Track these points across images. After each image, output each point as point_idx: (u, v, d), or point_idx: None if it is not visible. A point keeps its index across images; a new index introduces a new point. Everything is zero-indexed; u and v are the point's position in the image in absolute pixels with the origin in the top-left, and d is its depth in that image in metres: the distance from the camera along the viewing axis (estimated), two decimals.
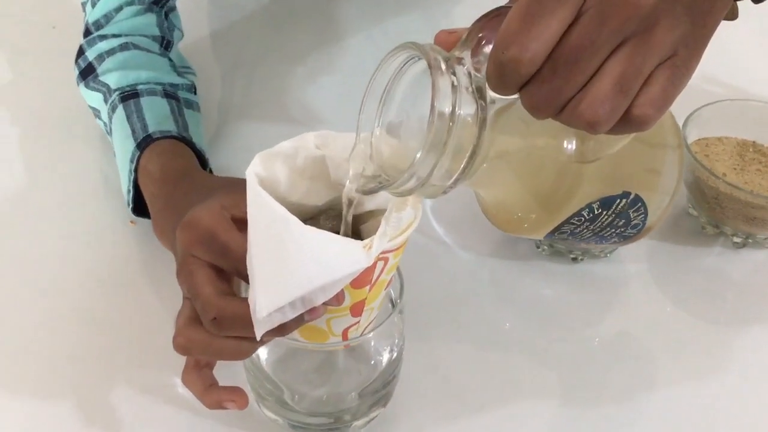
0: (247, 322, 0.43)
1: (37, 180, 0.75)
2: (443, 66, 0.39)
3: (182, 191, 0.58)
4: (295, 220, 0.41)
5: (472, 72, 0.40)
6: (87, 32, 0.75)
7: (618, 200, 0.52)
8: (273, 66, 0.90)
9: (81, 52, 0.74)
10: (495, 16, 0.40)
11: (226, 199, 0.49)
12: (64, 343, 0.61)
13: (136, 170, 0.63)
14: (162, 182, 0.60)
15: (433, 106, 0.38)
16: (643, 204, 0.53)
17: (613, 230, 0.54)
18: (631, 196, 0.52)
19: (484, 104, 0.40)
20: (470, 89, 0.39)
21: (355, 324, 0.48)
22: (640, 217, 0.54)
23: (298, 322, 0.43)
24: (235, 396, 0.49)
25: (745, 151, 0.72)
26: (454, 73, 0.39)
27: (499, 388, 0.59)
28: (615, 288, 0.67)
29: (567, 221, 0.51)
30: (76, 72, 0.74)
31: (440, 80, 0.38)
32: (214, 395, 0.49)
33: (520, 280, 0.67)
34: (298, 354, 0.54)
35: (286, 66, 0.90)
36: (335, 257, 0.41)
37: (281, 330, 0.43)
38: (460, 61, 0.40)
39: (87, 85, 0.72)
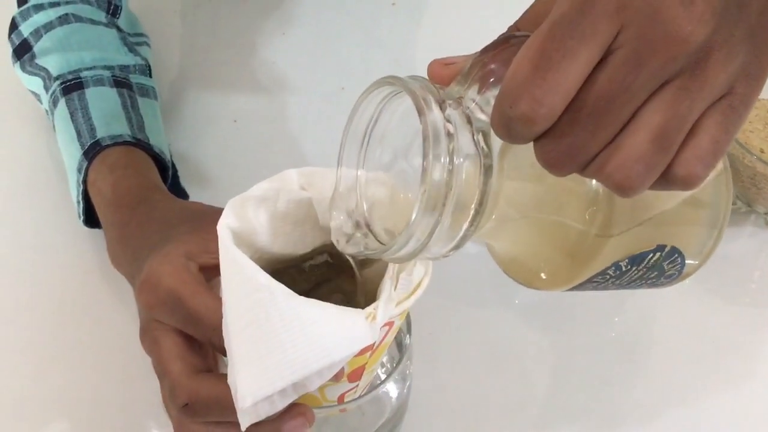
0: (226, 406, 0.36)
1: None
2: (436, 109, 0.31)
3: (138, 222, 0.50)
4: (281, 290, 0.34)
5: (476, 114, 0.32)
6: (21, 1, 0.64)
7: (650, 255, 0.43)
8: (239, 18, 0.79)
9: (14, 25, 0.63)
10: (506, 46, 0.32)
11: (190, 242, 0.42)
12: (19, 355, 0.54)
13: (84, 182, 0.55)
14: (115, 206, 0.52)
15: (426, 161, 0.30)
16: (681, 255, 0.44)
17: (643, 282, 0.46)
18: (667, 249, 0.43)
19: (488, 152, 0.32)
20: (471, 136, 0.32)
21: (352, 389, 0.41)
22: (676, 267, 0.45)
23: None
24: None
25: None
26: (449, 119, 0.31)
27: (514, 401, 0.54)
28: None
29: (589, 280, 0.43)
30: (10, 49, 0.63)
31: (432, 128, 0.30)
32: None
33: None
34: None
35: (255, 17, 0.79)
36: (334, 336, 0.34)
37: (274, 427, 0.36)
38: (458, 102, 0.32)
39: (23, 69, 0.62)
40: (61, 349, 0.55)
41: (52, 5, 0.63)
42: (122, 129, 0.56)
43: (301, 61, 0.76)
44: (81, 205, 0.56)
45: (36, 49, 0.62)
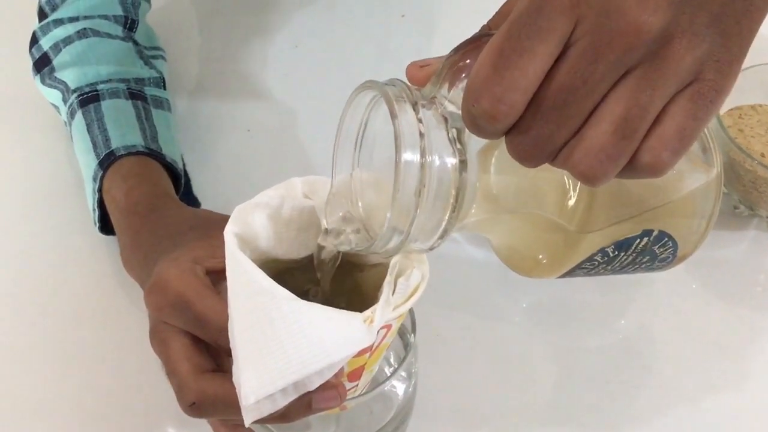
0: (231, 404, 0.37)
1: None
2: (410, 111, 0.33)
3: (149, 228, 0.51)
4: (283, 294, 0.35)
5: (450, 110, 0.33)
6: (41, 14, 0.66)
7: (637, 240, 0.43)
8: (253, 30, 0.81)
9: (35, 40, 0.65)
10: (478, 44, 0.33)
11: (198, 247, 0.43)
12: (36, 359, 0.56)
13: (100, 190, 0.56)
14: (128, 213, 0.54)
15: (397, 158, 0.32)
16: (671, 238, 0.45)
17: (638, 266, 0.47)
18: (654, 233, 0.44)
19: (461, 148, 0.34)
20: (444, 133, 0.33)
21: (352, 388, 0.42)
22: (669, 251, 0.46)
23: (303, 411, 0.38)
24: None
25: None
26: (421, 120, 0.33)
27: (518, 404, 0.54)
28: (639, 279, 0.61)
29: (579, 266, 0.44)
30: (31, 62, 0.65)
31: (403, 127, 0.32)
32: None
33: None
34: None
35: (266, 34, 0.81)
36: (332, 337, 0.35)
37: (284, 418, 0.38)
38: (432, 101, 0.34)
39: (43, 81, 0.64)
40: (78, 350, 0.57)
41: (71, 20, 0.65)
42: (136, 139, 0.58)
43: (313, 73, 0.77)
44: (97, 212, 0.58)
45: (55, 62, 0.63)
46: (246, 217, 0.39)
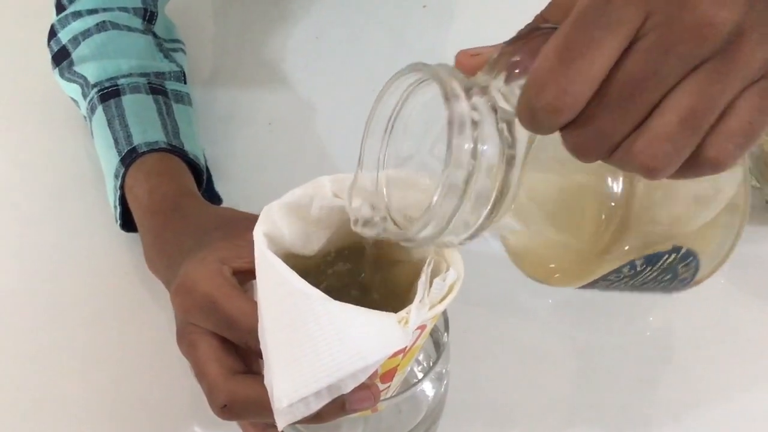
0: (263, 406, 0.36)
1: (18, 175, 0.68)
2: (462, 96, 0.31)
3: (173, 228, 0.51)
4: (317, 295, 0.35)
5: (501, 104, 0.32)
6: (59, 7, 0.65)
7: (665, 256, 0.42)
8: (272, 23, 0.80)
9: (53, 33, 0.65)
10: (533, 36, 0.32)
11: (223, 248, 0.43)
12: (59, 358, 0.56)
13: (122, 187, 0.56)
14: (151, 212, 0.53)
15: (450, 145, 0.31)
16: (695, 258, 0.44)
17: (656, 284, 0.46)
18: (682, 251, 0.42)
19: (512, 141, 0.32)
20: (495, 125, 0.32)
21: (385, 389, 0.41)
22: (690, 272, 0.45)
23: (337, 413, 0.37)
24: None
25: None
26: (475, 107, 0.32)
27: (543, 400, 0.54)
28: None
29: (603, 278, 0.43)
30: (49, 55, 0.65)
31: (458, 114, 0.31)
32: None
33: None
34: None
35: (286, 25, 0.80)
36: (366, 339, 0.34)
37: (318, 419, 0.37)
38: (484, 90, 0.32)
39: (62, 75, 0.63)
40: (99, 347, 0.57)
41: (90, 12, 0.64)
42: (158, 136, 0.57)
43: (333, 64, 0.77)
44: (118, 209, 0.57)
45: (74, 56, 0.63)
46: (274, 216, 0.38)
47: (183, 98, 0.63)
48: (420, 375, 0.47)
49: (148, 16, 0.66)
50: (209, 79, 0.75)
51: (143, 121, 0.58)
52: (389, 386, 0.41)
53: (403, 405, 0.48)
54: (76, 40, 0.63)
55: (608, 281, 0.42)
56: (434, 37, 0.79)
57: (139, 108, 0.59)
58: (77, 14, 0.64)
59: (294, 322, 0.35)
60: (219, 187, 0.64)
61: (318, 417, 0.37)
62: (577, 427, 0.53)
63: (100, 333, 0.58)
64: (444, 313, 0.45)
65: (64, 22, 0.64)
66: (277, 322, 0.35)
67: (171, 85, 0.63)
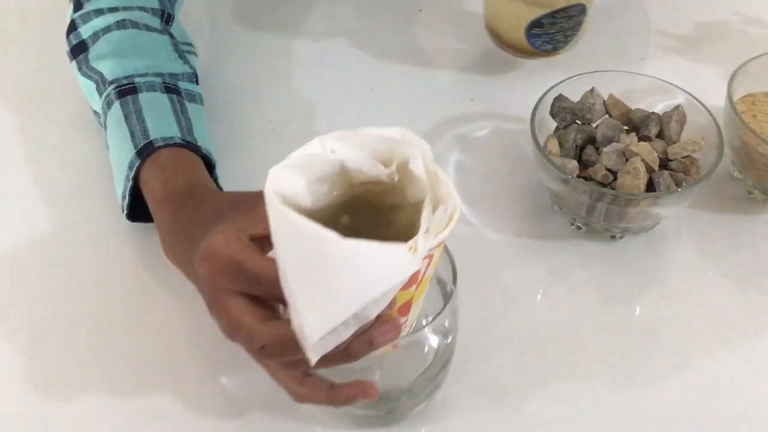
0: (297, 344, 0.40)
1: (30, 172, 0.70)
2: None
3: (188, 213, 0.53)
4: (332, 236, 0.38)
5: None
6: (77, 4, 0.68)
7: None
8: (274, 24, 0.83)
9: (73, 27, 0.67)
10: None
11: (239, 220, 0.46)
12: (67, 352, 0.58)
13: (135, 179, 0.58)
14: (167, 204, 0.55)
15: None
16: None
17: None
18: None
19: None
20: None
21: (403, 323, 0.45)
22: None
23: (366, 348, 0.41)
24: (365, 390, 0.46)
25: None
26: None
27: (534, 381, 0.56)
28: (656, 265, 0.63)
29: None
30: (67, 48, 0.67)
31: None
32: (342, 396, 0.46)
33: (554, 261, 0.62)
34: None
35: (290, 24, 0.83)
36: (382, 267, 0.38)
37: (347, 356, 0.41)
38: None
39: (80, 69, 0.66)
40: (111, 339, 0.58)
41: (111, 10, 0.66)
42: (173, 131, 0.59)
43: (333, 65, 0.79)
44: (127, 200, 0.59)
45: (92, 51, 0.65)
46: (280, 177, 0.41)
47: (195, 98, 0.66)
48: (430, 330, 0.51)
49: (165, 17, 0.69)
50: (211, 78, 0.77)
51: (159, 118, 0.60)
52: (406, 321, 0.45)
53: (414, 347, 0.51)
54: (96, 36, 0.65)
55: None
56: (428, 39, 0.82)
57: (154, 105, 0.61)
58: (99, 12, 0.66)
59: (314, 264, 0.38)
60: (221, 182, 0.66)
61: (349, 355, 0.41)
62: (584, 393, 0.55)
63: (110, 322, 0.59)
64: (452, 263, 0.49)
65: (86, 18, 0.66)
66: (297, 268, 0.39)
67: (184, 85, 0.65)
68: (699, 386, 0.56)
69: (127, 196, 0.59)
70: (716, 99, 0.65)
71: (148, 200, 0.57)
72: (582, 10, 0.71)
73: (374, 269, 0.37)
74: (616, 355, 0.57)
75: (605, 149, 0.61)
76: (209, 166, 0.61)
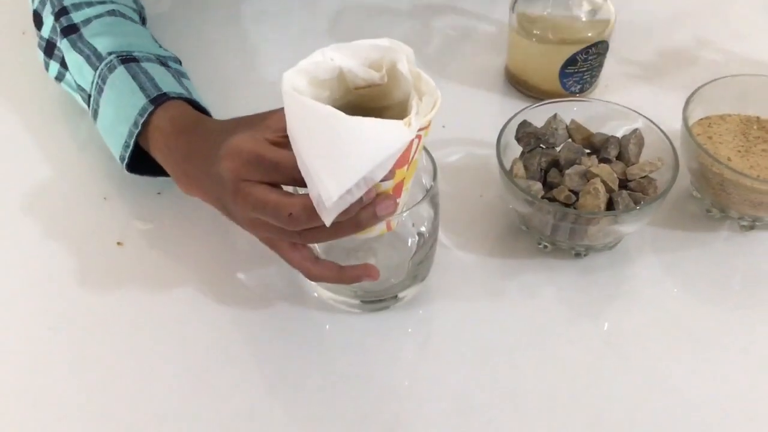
0: (316, 211, 0.48)
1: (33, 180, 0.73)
2: None
3: (200, 137, 0.59)
4: (342, 114, 0.45)
5: None
6: None
7: None
8: (270, 25, 0.87)
9: (65, 11, 0.71)
10: None
11: (253, 130, 0.53)
12: (61, 352, 0.60)
13: (144, 125, 0.62)
14: (175, 134, 0.61)
15: None
16: None
17: None
18: None
19: None
20: None
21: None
22: None
23: (372, 219, 0.50)
24: (369, 271, 0.56)
25: (749, 129, 0.69)
26: None
27: (505, 393, 0.58)
28: (620, 281, 0.65)
29: None
30: (57, 29, 0.71)
31: None
32: (350, 275, 0.56)
33: (523, 279, 0.65)
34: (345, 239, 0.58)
35: (273, 29, 0.87)
36: (386, 135, 0.46)
37: (355, 226, 0.50)
38: None
39: (74, 46, 0.70)
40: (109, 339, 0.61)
41: (101, 3, 0.72)
42: (179, 89, 0.65)
43: None
44: (130, 147, 0.63)
45: (86, 30, 0.70)
46: (292, 79, 0.49)
47: (184, 75, 0.71)
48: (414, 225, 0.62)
49: (142, 20, 0.76)
50: (208, 79, 0.80)
51: (164, 80, 0.65)
52: (398, 202, 0.53)
53: (402, 231, 0.63)
54: (88, 20, 0.70)
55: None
56: (418, 37, 0.87)
57: (156, 71, 0.66)
58: (90, 3, 0.72)
59: (328, 138, 0.46)
60: None
61: (357, 225, 0.50)
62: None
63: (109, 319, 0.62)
64: (434, 163, 0.60)
65: (78, 7, 0.71)
66: (313, 144, 0.47)
67: (173, 65, 0.70)
68: (663, 396, 0.58)
69: (131, 144, 0.63)
70: (675, 122, 0.68)
71: (154, 139, 0.62)
72: (606, 47, 0.76)
73: (378, 139, 0.46)
74: (583, 368, 0.60)
75: (568, 171, 0.64)
76: None
